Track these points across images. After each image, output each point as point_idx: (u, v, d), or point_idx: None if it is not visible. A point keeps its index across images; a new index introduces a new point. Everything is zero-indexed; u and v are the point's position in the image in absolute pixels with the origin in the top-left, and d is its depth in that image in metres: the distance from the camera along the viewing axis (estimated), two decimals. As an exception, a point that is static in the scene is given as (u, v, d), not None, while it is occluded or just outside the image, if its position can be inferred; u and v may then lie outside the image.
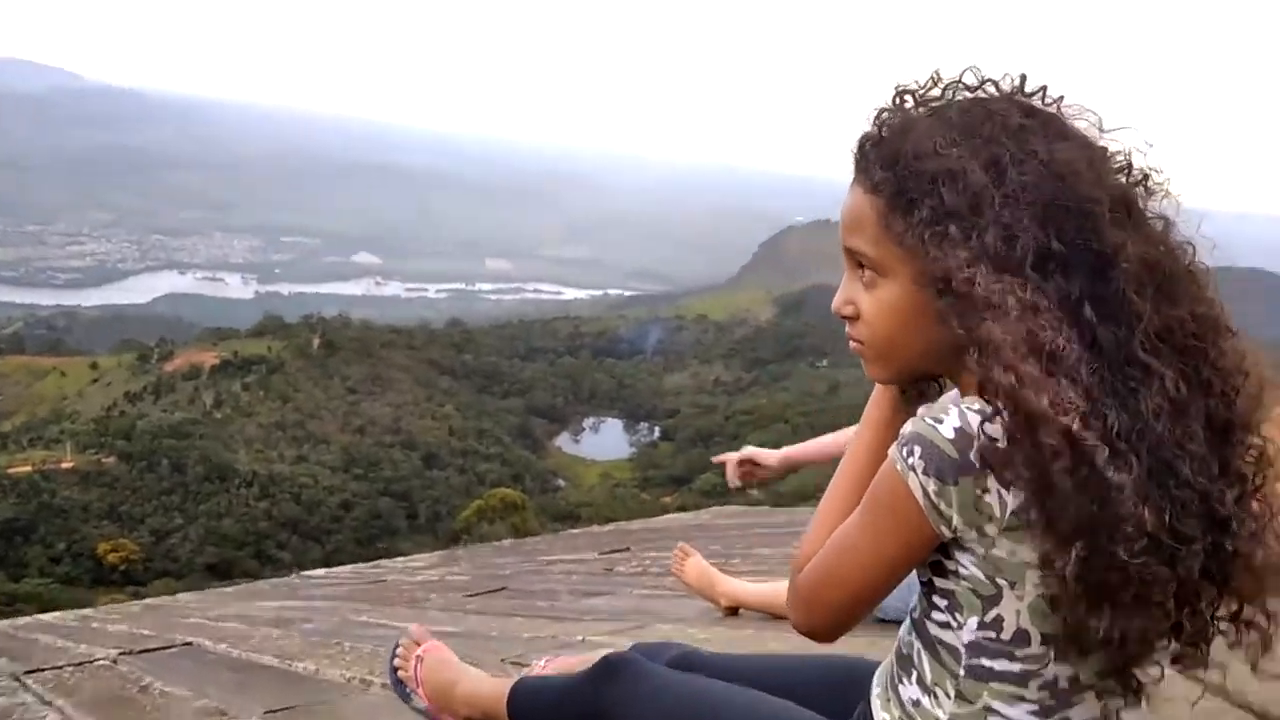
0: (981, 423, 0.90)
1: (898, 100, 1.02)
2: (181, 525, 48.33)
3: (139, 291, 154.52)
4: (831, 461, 2.08)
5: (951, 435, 0.90)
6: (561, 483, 69.82)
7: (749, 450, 2.47)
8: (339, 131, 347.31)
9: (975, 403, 0.92)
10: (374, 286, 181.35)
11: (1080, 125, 0.98)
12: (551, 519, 43.05)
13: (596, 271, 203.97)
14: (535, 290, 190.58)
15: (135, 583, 40.74)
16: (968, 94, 1.00)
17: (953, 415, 0.92)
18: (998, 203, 0.92)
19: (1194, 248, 0.96)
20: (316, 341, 77.37)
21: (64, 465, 50.91)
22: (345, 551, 49.83)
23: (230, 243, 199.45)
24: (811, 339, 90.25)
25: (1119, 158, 0.97)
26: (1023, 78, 0.99)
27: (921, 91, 1.01)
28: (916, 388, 1.15)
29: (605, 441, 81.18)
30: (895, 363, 1.04)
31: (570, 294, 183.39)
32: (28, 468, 49.30)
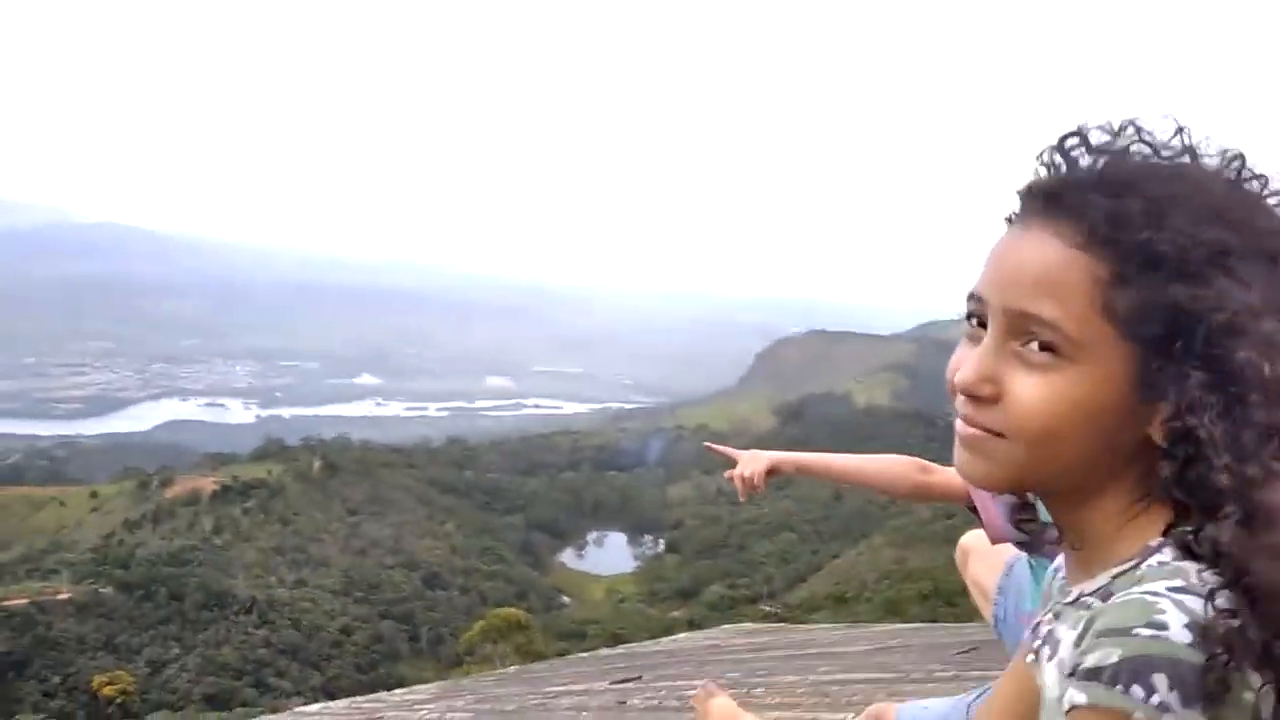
0: (1207, 602, 0.67)
1: (1073, 143, 0.80)
2: (179, 655, 47.29)
3: (141, 419, 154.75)
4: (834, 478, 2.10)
5: (1190, 638, 0.66)
6: (566, 600, 68.65)
7: (770, 458, 2.09)
8: (328, 263, 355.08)
9: (1174, 577, 0.70)
10: (375, 407, 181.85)
11: None
12: (557, 638, 42.23)
13: (593, 386, 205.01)
14: (535, 405, 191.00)
15: (131, 715, 39.69)
16: (1174, 157, 0.79)
17: (1170, 609, 0.67)
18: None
19: None
20: (317, 464, 77.18)
21: (60, 596, 50.02)
22: (346, 678, 48.71)
23: (231, 368, 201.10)
24: (812, 446, 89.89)
25: None
26: (1240, 158, 0.79)
27: (1108, 141, 0.79)
28: (1021, 506, 0.97)
29: (609, 556, 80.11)
30: (1037, 469, 0.78)
31: (569, 408, 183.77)
32: (24, 600, 48.42)
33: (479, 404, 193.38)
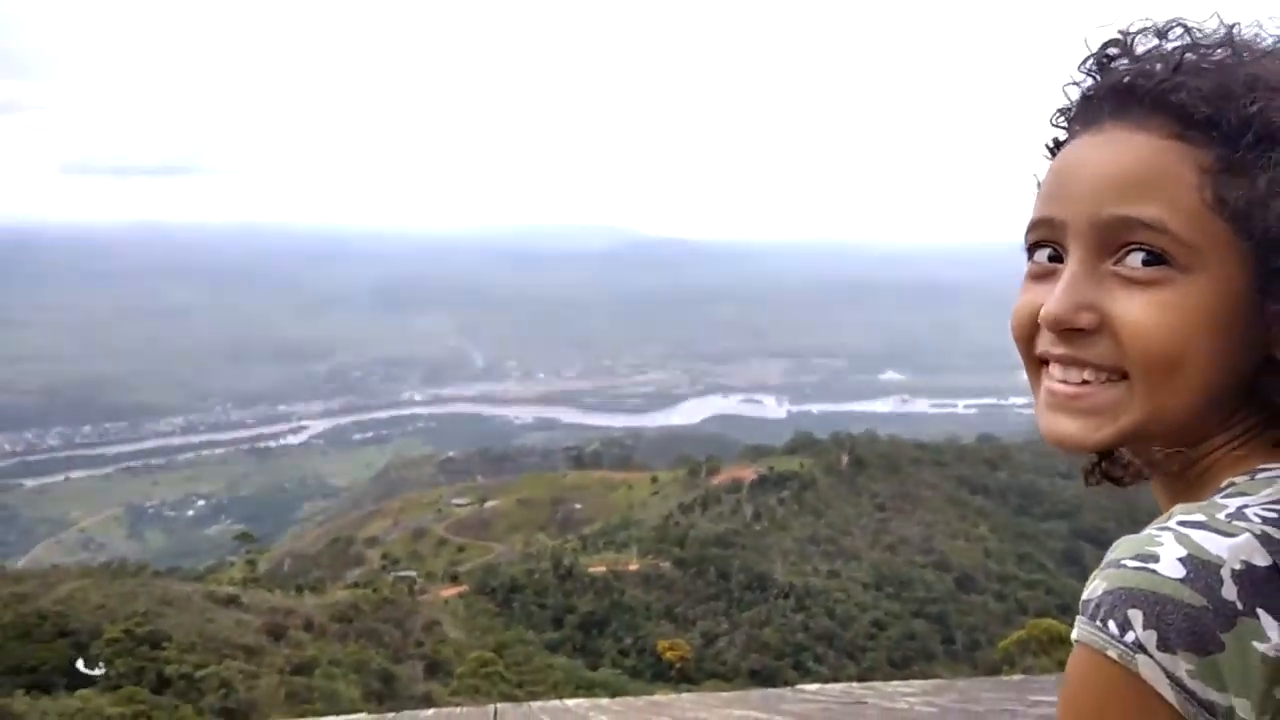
0: (1238, 538, 0.58)
1: (1115, 52, 0.72)
2: (727, 630, 51.15)
3: (690, 413, 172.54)
4: None
5: (1182, 573, 0.58)
6: (1119, 618, 61.61)
7: None
8: (858, 255, 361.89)
9: (1196, 512, 0.62)
10: (900, 403, 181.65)
11: None
12: (1109, 658, 37.88)
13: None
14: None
15: (689, 680, 43.79)
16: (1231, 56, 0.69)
17: (1169, 542, 0.60)
18: None
19: None
20: (845, 458, 78.66)
21: (630, 567, 57.04)
22: (880, 672, 48.81)
23: (766, 366, 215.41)
24: None
25: None
26: None
27: (1155, 46, 0.71)
28: (1118, 469, 0.85)
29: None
30: (1159, 408, 0.67)
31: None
32: (602, 568, 56.04)
33: (1012, 400, 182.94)
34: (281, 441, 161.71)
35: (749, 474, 75.10)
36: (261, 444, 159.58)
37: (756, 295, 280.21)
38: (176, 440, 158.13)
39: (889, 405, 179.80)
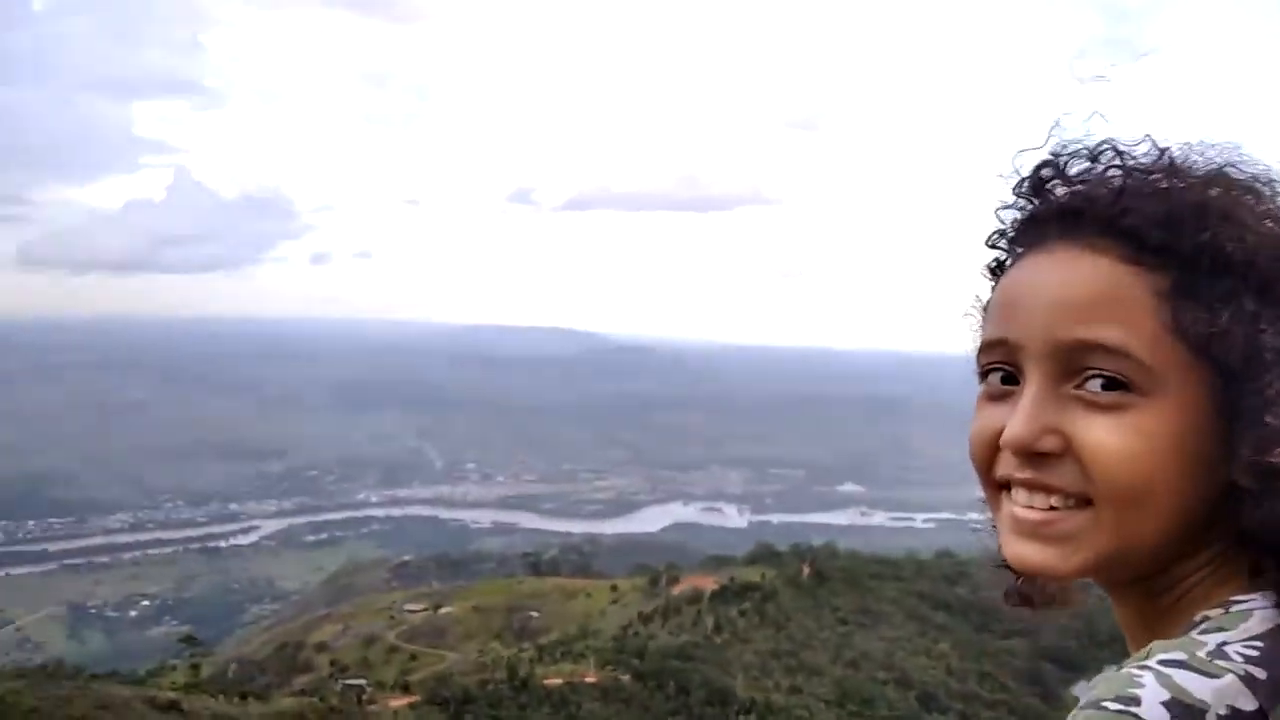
0: (1222, 679, 0.56)
1: (1049, 174, 0.71)
2: (682, 749, 49.94)
3: (650, 520, 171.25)
4: None
5: (1166, 717, 0.55)
6: (1081, 740, 61.05)
7: None
8: (815, 364, 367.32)
9: (1178, 650, 0.59)
10: (859, 516, 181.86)
11: None
12: (1071, 781, 37.62)
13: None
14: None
15: (647, 801, 42.54)
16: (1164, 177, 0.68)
17: (1150, 683, 0.57)
18: None
19: None
20: (806, 570, 78.45)
21: (588, 679, 55.78)
22: (842, 794, 47.80)
23: (726, 475, 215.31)
24: None
25: None
26: (1268, 169, 0.69)
27: (1087, 169, 0.70)
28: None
29: (1132, 695, 70.07)
30: (1129, 537, 0.65)
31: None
32: (559, 680, 54.76)
33: (969, 515, 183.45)
34: (231, 541, 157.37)
35: (709, 584, 74.35)
36: (211, 544, 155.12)
37: (716, 403, 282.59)
38: (122, 538, 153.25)
39: (848, 518, 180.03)
